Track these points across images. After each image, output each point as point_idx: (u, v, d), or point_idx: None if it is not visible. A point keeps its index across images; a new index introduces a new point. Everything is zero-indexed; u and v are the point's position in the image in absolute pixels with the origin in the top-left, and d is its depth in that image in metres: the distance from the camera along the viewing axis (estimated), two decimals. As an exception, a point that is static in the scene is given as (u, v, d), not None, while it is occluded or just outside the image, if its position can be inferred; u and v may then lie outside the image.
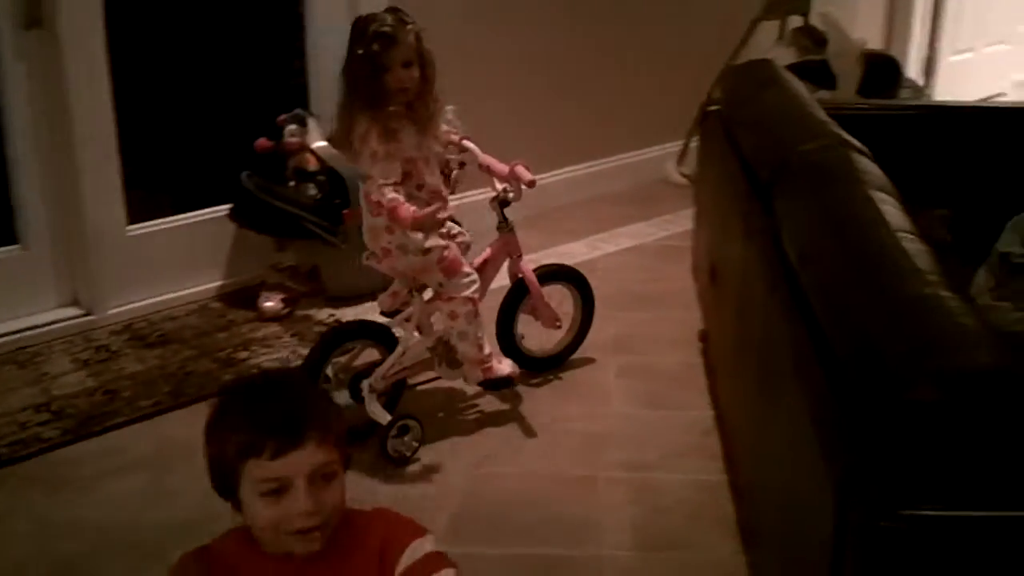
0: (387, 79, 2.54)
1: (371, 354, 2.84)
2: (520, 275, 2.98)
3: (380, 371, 2.73)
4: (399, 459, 2.71)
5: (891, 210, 1.91)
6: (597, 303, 3.24)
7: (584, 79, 4.43)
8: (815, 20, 4.57)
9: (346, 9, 3.75)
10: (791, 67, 4.33)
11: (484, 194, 2.94)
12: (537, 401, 3.05)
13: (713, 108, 3.06)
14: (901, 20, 5.55)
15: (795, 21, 4.71)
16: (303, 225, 3.45)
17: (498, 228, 2.92)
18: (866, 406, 1.49)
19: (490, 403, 3.01)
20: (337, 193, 3.46)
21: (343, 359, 2.81)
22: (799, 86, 2.85)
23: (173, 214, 3.59)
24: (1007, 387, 1.42)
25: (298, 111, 3.56)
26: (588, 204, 4.48)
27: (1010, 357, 1.46)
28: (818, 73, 4.34)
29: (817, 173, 2.12)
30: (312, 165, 3.49)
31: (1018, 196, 2.59)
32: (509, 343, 3.05)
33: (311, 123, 3.53)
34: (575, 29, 4.35)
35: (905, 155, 3.06)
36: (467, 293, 2.74)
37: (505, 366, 2.89)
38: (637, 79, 4.60)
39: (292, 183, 3.48)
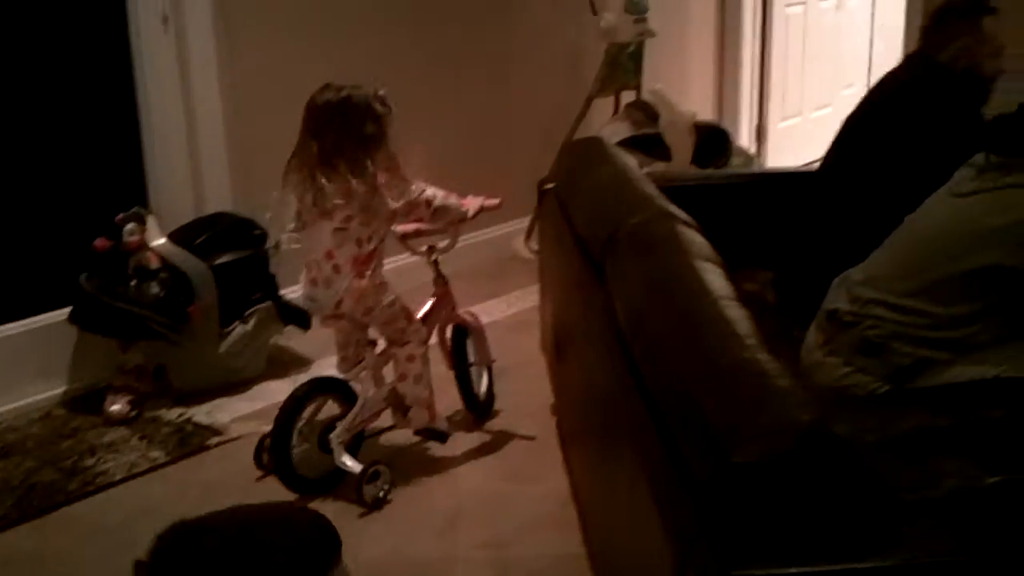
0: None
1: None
2: (459, 323, 3.27)
3: (344, 424, 2.90)
4: (374, 503, 2.87)
5: (714, 278, 1.98)
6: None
7: (431, 157, 4.48)
8: (647, 95, 4.74)
9: (182, 109, 3.76)
10: (628, 140, 4.51)
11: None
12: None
13: (549, 186, 3.13)
14: (730, 91, 5.79)
15: (628, 96, 4.89)
16: (147, 324, 3.40)
17: (435, 282, 3.18)
18: (695, 470, 1.54)
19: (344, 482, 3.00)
20: (180, 290, 3.43)
21: (306, 415, 2.94)
22: (628, 161, 2.96)
23: (8, 321, 3.49)
24: (824, 444, 1.48)
25: (137, 209, 3.52)
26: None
27: (826, 414, 1.54)
28: (653, 145, 4.50)
29: (644, 245, 2.20)
30: (153, 263, 3.45)
31: (843, 254, 2.71)
32: (467, 390, 3.34)
33: (150, 220, 3.50)
34: (420, 109, 4.41)
35: (735, 220, 3.21)
36: (423, 337, 3.01)
37: (443, 421, 3.11)
38: (484, 157, 4.68)
39: (133, 282, 3.42)
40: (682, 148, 4.37)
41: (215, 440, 3.28)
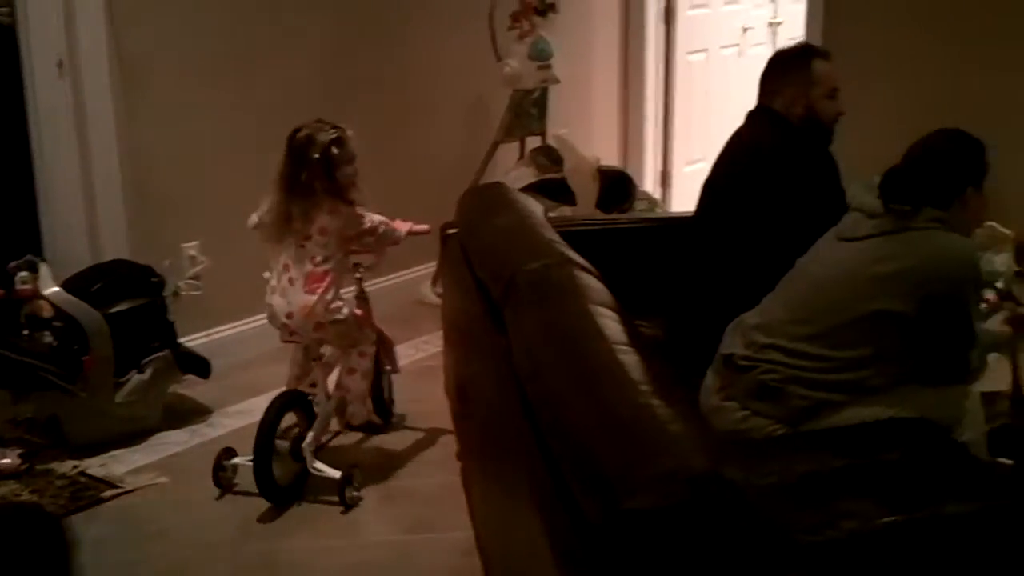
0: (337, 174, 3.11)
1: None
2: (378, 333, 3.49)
3: (313, 434, 3.19)
4: (352, 503, 3.13)
5: (610, 324, 1.98)
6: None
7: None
8: (551, 141, 4.78)
9: (78, 155, 3.68)
10: (533, 185, 4.53)
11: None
12: (294, 533, 2.98)
13: (452, 231, 3.12)
14: (635, 136, 5.86)
15: (534, 142, 4.91)
16: (40, 375, 3.30)
17: (357, 297, 3.44)
18: (589, 518, 1.52)
19: (243, 539, 2.93)
20: (74, 339, 3.34)
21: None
22: (530, 206, 2.95)
23: None
24: (717, 490, 1.48)
25: (29, 257, 3.43)
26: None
27: (722, 459, 1.54)
28: (559, 190, 4.53)
29: (542, 291, 2.19)
30: (46, 312, 3.36)
31: (732, 300, 2.74)
32: (379, 395, 3.59)
33: (43, 269, 3.41)
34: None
35: (636, 265, 3.24)
36: (372, 339, 3.38)
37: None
38: (390, 202, 4.63)
39: (26, 332, 3.33)
40: (586, 193, 4.40)
41: (109, 493, 3.19)
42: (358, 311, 3.35)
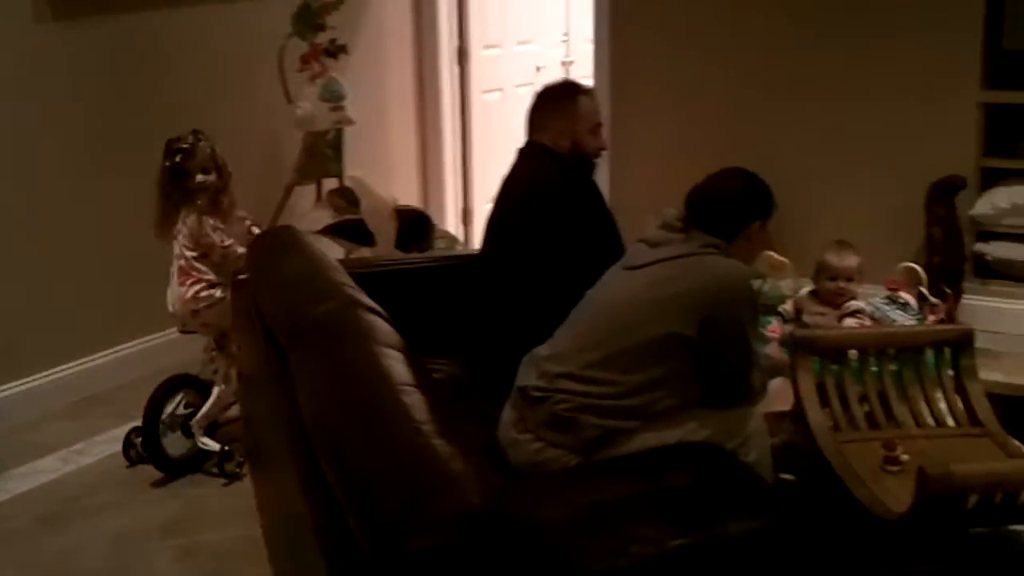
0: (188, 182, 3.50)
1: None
2: None
3: (202, 413, 3.57)
4: (232, 475, 3.51)
5: (395, 364, 1.98)
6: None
7: (137, 243, 4.30)
8: (348, 182, 4.75)
9: None
10: (332, 227, 4.50)
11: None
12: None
13: (242, 276, 3.06)
14: (434, 175, 5.89)
15: (331, 184, 4.88)
16: None
17: None
18: (372, 560, 1.51)
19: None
20: None
21: (169, 409, 3.56)
22: (321, 249, 2.93)
23: None
24: (498, 526, 1.49)
25: None
26: (135, 384, 4.28)
27: (517, 493, 1.55)
28: (357, 232, 4.51)
29: (326, 335, 2.17)
30: None
31: (526, 334, 2.77)
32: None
33: None
34: (121, 199, 4.24)
35: (433, 304, 3.25)
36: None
37: None
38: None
39: None
40: (385, 233, 4.39)
41: None
42: None
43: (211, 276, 3.53)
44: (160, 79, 4.41)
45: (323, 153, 4.76)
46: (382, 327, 2.20)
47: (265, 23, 4.64)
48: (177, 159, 3.49)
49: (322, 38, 4.63)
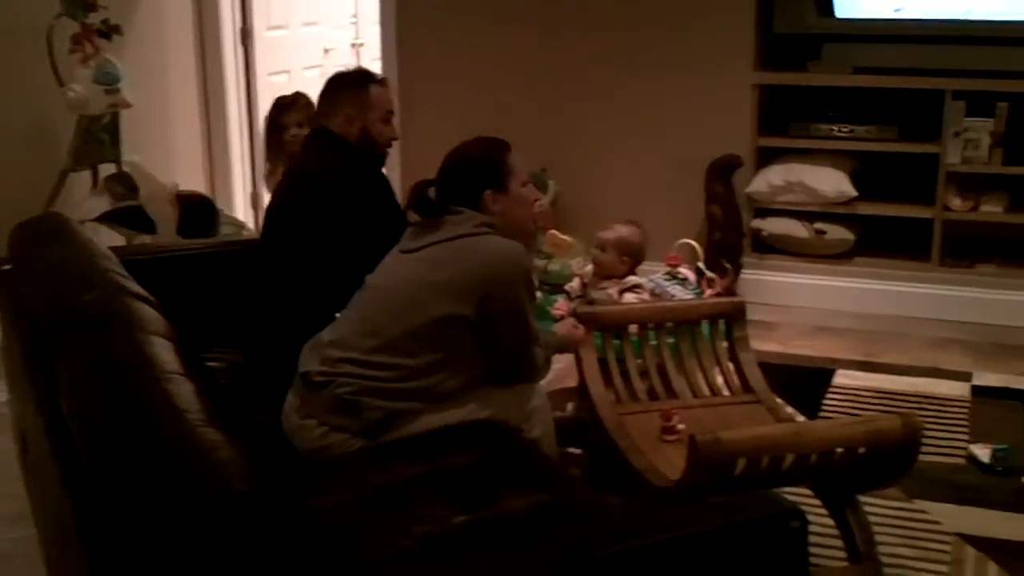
0: None
1: None
2: None
3: None
4: None
5: (163, 353, 1.92)
6: None
7: None
8: (126, 167, 4.58)
9: None
10: (110, 214, 4.32)
11: None
12: None
13: (5, 267, 2.90)
14: (221, 160, 5.73)
15: (108, 169, 4.69)
16: None
17: None
18: (139, 549, 1.46)
19: None
20: None
21: None
22: (89, 236, 2.81)
23: None
24: (265, 510, 1.46)
25: None
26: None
27: (263, 481, 1.52)
28: (138, 219, 4.34)
29: (91, 324, 2.07)
30: None
31: (314, 319, 2.73)
32: None
33: None
34: None
35: (215, 290, 3.16)
36: None
37: None
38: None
39: None
40: (166, 220, 4.25)
41: None
42: None
43: None
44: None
45: (98, 138, 4.56)
46: (150, 315, 2.14)
47: (34, 1, 4.42)
48: None
49: (94, 18, 4.43)
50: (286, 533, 1.49)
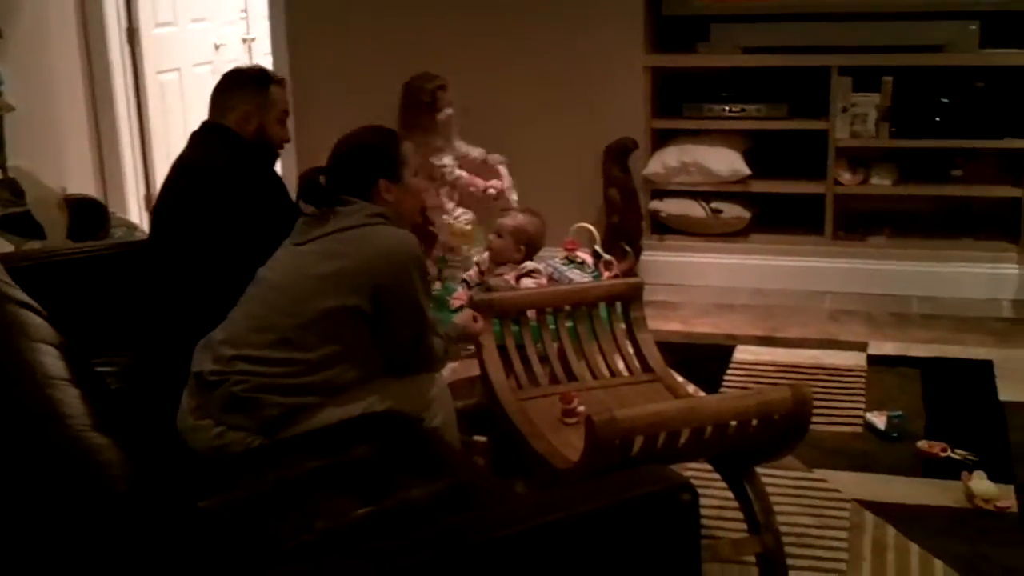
0: None
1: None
2: None
3: None
4: None
5: (48, 359, 1.88)
6: None
7: None
8: (11, 172, 4.47)
9: None
10: (-3, 220, 4.21)
11: None
12: None
13: None
14: (112, 162, 5.60)
15: (-6, 175, 4.57)
16: None
17: None
18: (26, 561, 1.43)
19: None
20: None
21: None
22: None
23: None
24: (142, 509, 1.44)
25: None
26: None
27: (148, 483, 1.50)
28: (26, 224, 4.24)
29: (-31, 333, 2.03)
30: None
31: (205, 318, 2.69)
32: None
33: None
34: None
35: (106, 293, 3.10)
36: None
37: None
38: None
39: None
40: (55, 225, 4.15)
41: None
42: None
43: None
44: None
45: (-20, 145, 4.44)
46: (35, 322, 2.09)
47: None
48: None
49: (-29, 21, 4.32)
50: (171, 533, 1.47)
